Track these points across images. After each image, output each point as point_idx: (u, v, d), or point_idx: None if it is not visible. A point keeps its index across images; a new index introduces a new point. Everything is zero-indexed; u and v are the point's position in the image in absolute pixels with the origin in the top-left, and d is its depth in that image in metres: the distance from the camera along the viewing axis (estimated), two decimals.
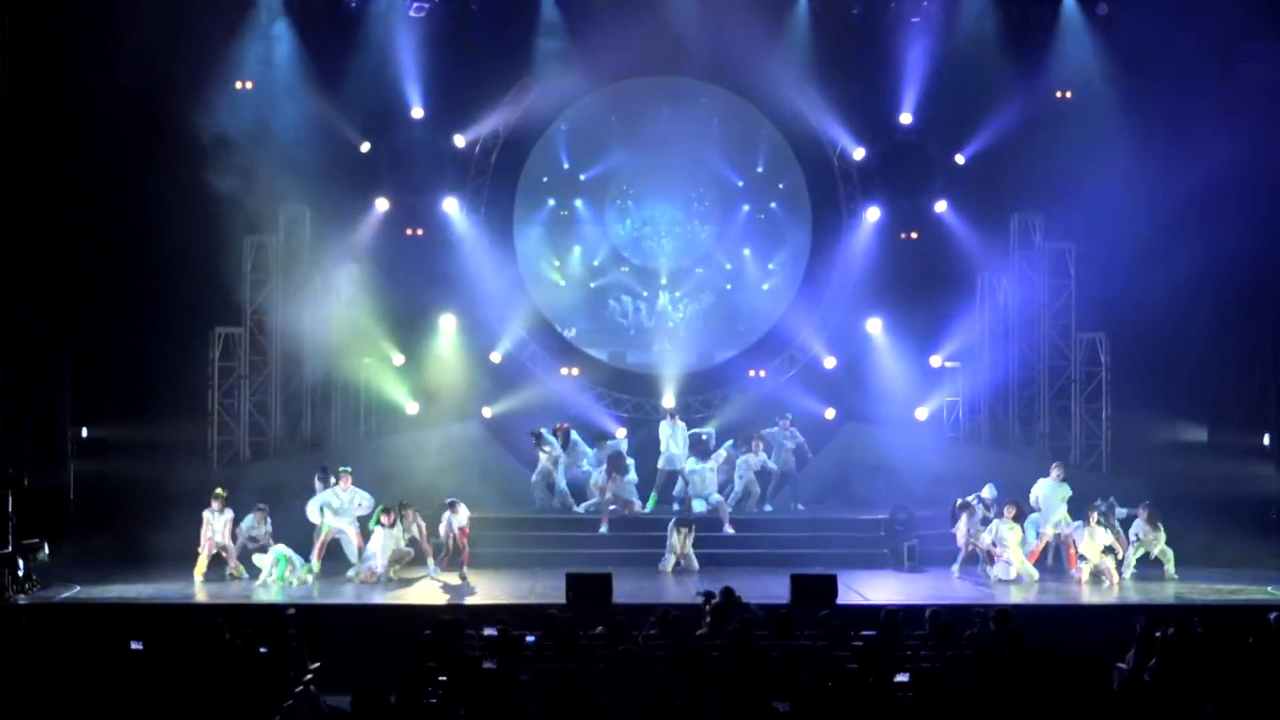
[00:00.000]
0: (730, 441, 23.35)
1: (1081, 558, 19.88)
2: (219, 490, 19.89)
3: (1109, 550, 19.68)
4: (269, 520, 19.94)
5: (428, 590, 18.77)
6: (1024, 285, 24.42)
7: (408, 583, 19.23)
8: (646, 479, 22.80)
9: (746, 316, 26.31)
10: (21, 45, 21.14)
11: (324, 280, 23.68)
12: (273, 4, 23.56)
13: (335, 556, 19.93)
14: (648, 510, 22.28)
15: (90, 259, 22.83)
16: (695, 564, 20.45)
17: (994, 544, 19.65)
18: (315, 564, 19.69)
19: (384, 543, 19.40)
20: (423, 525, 19.79)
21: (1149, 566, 20.03)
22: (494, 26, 24.38)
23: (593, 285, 26.46)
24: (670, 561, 20.42)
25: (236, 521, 19.83)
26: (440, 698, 10.93)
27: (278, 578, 19.31)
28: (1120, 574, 19.60)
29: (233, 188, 22.30)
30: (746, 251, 26.40)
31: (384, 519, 19.45)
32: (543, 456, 22.84)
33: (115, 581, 18.89)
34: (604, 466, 22.32)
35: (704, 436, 23.31)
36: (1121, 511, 20.21)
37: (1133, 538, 19.93)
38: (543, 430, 23.04)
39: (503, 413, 24.65)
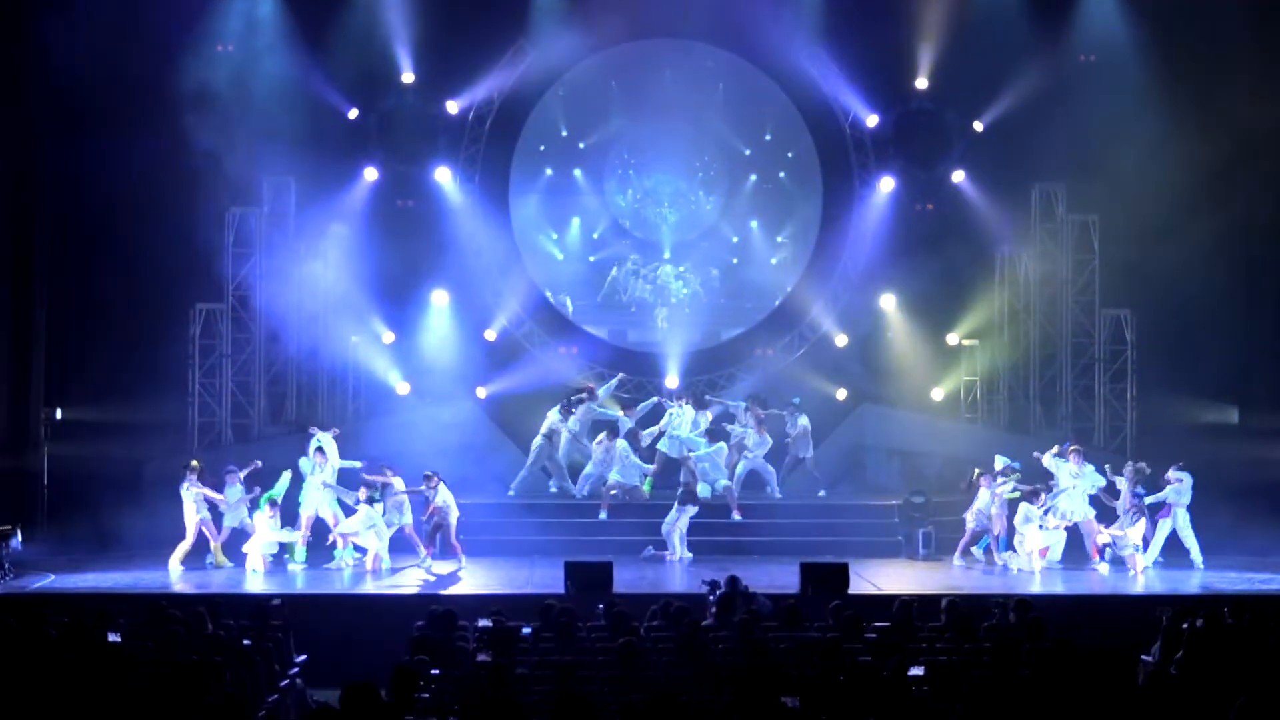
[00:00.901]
0: (741, 408, 23.09)
1: (1111, 546, 19.83)
2: (194, 463, 19.88)
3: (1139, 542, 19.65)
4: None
5: (419, 580, 18.80)
6: (1045, 259, 24.41)
7: (397, 572, 19.26)
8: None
9: (754, 292, 26.31)
10: None
11: (310, 254, 23.67)
12: None
13: (315, 547, 19.94)
14: (647, 496, 22.24)
15: (63, 231, 22.81)
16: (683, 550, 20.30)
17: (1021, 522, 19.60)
18: (301, 551, 19.71)
19: (376, 524, 19.37)
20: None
21: (1174, 554, 20.04)
22: None
23: (592, 259, 26.51)
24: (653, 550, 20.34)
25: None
26: (433, 692, 10.98)
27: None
28: (1144, 560, 19.55)
29: (214, 157, 22.27)
30: (754, 223, 26.43)
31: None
32: (543, 427, 22.62)
33: (91, 570, 18.95)
34: (619, 440, 22.01)
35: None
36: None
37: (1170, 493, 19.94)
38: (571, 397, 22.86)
39: (498, 393, 24.64)
